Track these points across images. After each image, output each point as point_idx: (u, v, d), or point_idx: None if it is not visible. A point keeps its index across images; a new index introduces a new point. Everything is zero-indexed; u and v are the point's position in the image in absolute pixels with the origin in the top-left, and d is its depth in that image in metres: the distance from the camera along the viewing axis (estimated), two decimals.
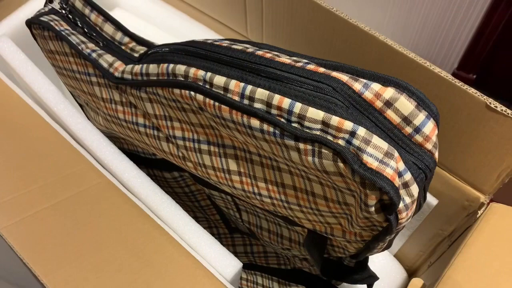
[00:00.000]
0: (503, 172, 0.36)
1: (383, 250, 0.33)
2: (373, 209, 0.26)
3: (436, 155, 0.26)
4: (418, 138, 0.26)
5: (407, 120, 0.25)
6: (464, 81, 0.35)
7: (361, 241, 0.32)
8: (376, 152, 0.24)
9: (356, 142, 0.24)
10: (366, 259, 0.43)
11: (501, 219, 0.36)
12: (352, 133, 0.24)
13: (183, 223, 0.40)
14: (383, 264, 0.54)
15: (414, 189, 0.25)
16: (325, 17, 0.41)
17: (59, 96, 0.44)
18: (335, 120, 0.24)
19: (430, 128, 0.25)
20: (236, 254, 0.53)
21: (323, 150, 0.25)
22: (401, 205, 0.25)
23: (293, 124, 0.26)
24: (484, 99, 0.33)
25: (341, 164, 0.25)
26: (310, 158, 0.26)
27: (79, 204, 0.38)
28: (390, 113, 0.25)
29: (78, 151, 0.42)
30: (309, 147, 0.25)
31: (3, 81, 0.45)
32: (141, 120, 0.38)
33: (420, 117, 0.25)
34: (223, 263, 0.39)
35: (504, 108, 0.33)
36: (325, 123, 0.25)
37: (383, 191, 0.24)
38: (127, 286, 0.33)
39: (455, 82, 0.34)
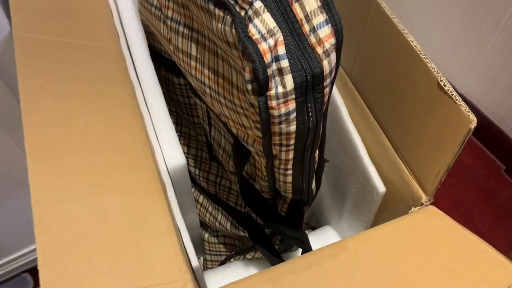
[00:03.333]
0: (441, 169, 0.35)
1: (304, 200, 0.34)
2: (250, 87, 0.28)
3: (325, 64, 0.27)
4: (312, 38, 0.27)
5: (307, 17, 0.27)
6: None
7: (262, 155, 0.34)
8: (261, 26, 0.26)
9: (250, 12, 0.27)
10: (299, 217, 0.44)
11: (426, 218, 0.35)
12: (250, 4, 0.27)
13: (159, 111, 0.45)
14: None
15: (289, 81, 0.27)
16: None
17: None
18: None
19: (325, 32, 0.27)
20: (207, 181, 0.56)
21: (227, 17, 0.28)
22: (272, 91, 0.27)
23: None
24: (439, 75, 0.33)
25: (233, 31, 0.27)
26: (220, 25, 0.29)
27: (84, 53, 0.45)
28: (296, 7, 0.27)
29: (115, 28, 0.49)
30: (221, 14, 0.28)
31: None
32: (154, 1, 0.44)
33: (319, 18, 0.27)
34: (171, 154, 0.43)
35: (451, 89, 0.32)
36: None
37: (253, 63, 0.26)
38: None
39: (421, 53, 0.34)
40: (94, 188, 0.32)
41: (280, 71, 0.27)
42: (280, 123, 0.29)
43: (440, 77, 0.32)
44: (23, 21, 0.48)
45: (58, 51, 0.47)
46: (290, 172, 0.36)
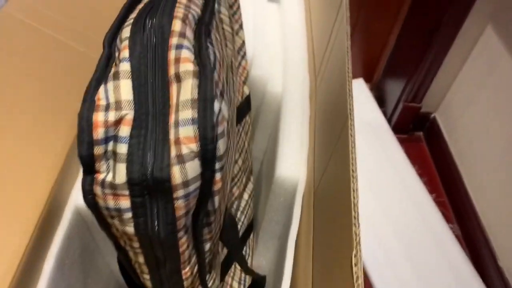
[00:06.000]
0: None
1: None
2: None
3: (175, 171, 0.23)
4: (172, 134, 0.23)
5: (178, 106, 0.22)
6: None
7: None
8: (112, 92, 0.23)
9: (113, 70, 0.22)
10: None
11: None
12: (120, 60, 0.22)
13: None
14: None
15: (121, 173, 0.22)
16: None
17: None
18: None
19: (187, 133, 0.23)
20: None
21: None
22: (101, 175, 0.22)
23: None
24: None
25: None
26: None
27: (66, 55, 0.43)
28: (173, 88, 0.23)
29: None
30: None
31: None
32: None
33: (186, 114, 0.23)
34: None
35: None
36: None
37: None
38: None
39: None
40: None
41: (115, 156, 0.21)
42: (112, 217, 0.23)
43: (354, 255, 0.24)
44: (21, 1, 0.47)
45: (38, 43, 0.45)
46: (147, 277, 0.29)
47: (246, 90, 0.55)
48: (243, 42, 0.56)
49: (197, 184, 0.23)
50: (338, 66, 0.39)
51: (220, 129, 0.24)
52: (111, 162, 0.22)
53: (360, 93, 1.21)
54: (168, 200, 0.23)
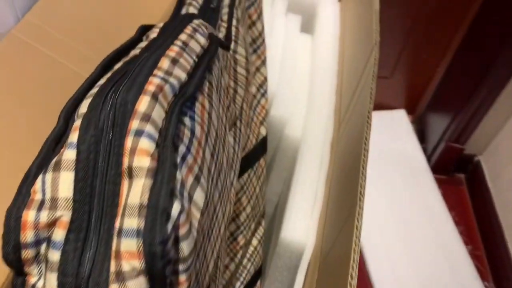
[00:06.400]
0: None
1: None
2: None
3: None
4: (115, 244, 0.19)
5: (124, 211, 0.18)
6: None
7: None
8: (50, 185, 0.19)
9: (56, 158, 0.18)
10: None
11: None
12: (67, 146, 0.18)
13: None
14: None
15: (51, 282, 0.18)
16: None
17: None
18: None
19: (130, 247, 0.19)
20: None
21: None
22: (32, 279, 0.19)
23: None
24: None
25: None
26: None
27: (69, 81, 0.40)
28: (124, 186, 0.19)
29: None
30: None
31: None
32: None
33: (132, 222, 0.19)
34: None
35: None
36: None
37: None
38: None
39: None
40: None
41: (46, 262, 0.17)
42: None
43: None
44: (32, 22, 0.45)
45: (44, 68, 0.43)
46: None
47: (263, 131, 0.51)
48: (265, 78, 0.52)
49: None
50: (357, 130, 0.34)
51: (183, 231, 0.20)
52: (43, 266, 0.19)
53: (401, 125, 1.14)
54: None
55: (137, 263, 0.18)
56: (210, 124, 0.26)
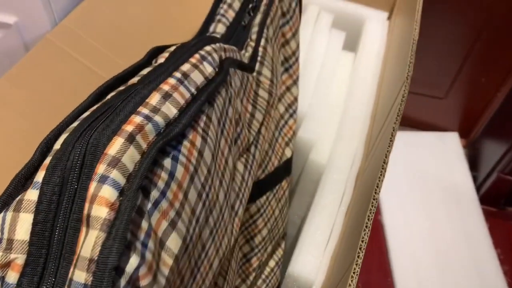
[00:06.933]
0: None
1: None
2: None
3: None
4: None
5: (78, 259, 0.17)
6: None
7: None
8: (8, 228, 0.19)
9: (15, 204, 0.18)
10: None
11: None
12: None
13: None
14: None
15: None
16: None
17: None
18: None
19: None
20: None
21: None
22: None
23: None
24: None
25: None
26: None
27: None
28: (83, 232, 0.18)
29: None
30: None
31: None
32: None
33: (80, 275, 0.17)
34: None
35: None
36: None
37: None
38: None
39: None
40: None
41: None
42: None
43: None
44: (68, 28, 0.46)
45: (71, 73, 0.44)
46: None
47: (288, 153, 0.50)
48: (295, 99, 0.50)
49: None
50: (372, 176, 0.31)
51: (144, 282, 0.19)
52: None
53: (452, 149, 1.07)
54: None
55: None
56: (200, 163, 0.24)
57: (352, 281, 0.24)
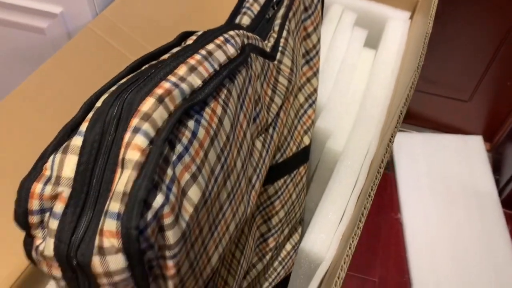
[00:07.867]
0: None
1: None
2: None
3: (95, 261, 0.22)
4: (101, 222, 0.22)
5: (115, 195, 0.22)
6: None
7: None
8: (58, 165, 0.22)
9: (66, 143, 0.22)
10: None
11: None
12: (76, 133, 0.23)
13: None
14: None
15: (49, 247, 0.22)
16: None
17: None
18: None
19: (110, 227, 0.22)
20: None
21: None
22: (37, 241, 0.22)
23: None
24: None
25: None
26: None
27: None
28: (118, 173, 0.22)
29: None
30: None
31: None
32: None
33: (115, 206, 0.21)
34: None
35: None
36: None
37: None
38: None
39: None
40: None
41: (48, 229, 0.21)
42: (54, 278, 0.23)
43: None
44: (108, 18, 0.50)
45: (109, 60, 0.48)
46: None
47: (306, 140, 0.52)
48: (315, 90, 0.53)
49: (125, 275, 0.22)
50: (380, 153, 0.34)
51: (167, 221, 0.22)
52: (46, 231, 0.22)
53: (475, 152, 1.07)
54: (95, 284, 0.22)
55: (116, 242, 0.20)
56: (220, 129, 0.28)
57: (353, 241, 0.27)
